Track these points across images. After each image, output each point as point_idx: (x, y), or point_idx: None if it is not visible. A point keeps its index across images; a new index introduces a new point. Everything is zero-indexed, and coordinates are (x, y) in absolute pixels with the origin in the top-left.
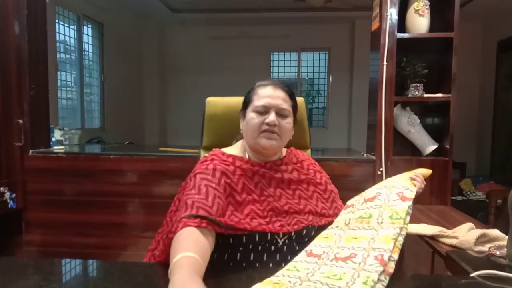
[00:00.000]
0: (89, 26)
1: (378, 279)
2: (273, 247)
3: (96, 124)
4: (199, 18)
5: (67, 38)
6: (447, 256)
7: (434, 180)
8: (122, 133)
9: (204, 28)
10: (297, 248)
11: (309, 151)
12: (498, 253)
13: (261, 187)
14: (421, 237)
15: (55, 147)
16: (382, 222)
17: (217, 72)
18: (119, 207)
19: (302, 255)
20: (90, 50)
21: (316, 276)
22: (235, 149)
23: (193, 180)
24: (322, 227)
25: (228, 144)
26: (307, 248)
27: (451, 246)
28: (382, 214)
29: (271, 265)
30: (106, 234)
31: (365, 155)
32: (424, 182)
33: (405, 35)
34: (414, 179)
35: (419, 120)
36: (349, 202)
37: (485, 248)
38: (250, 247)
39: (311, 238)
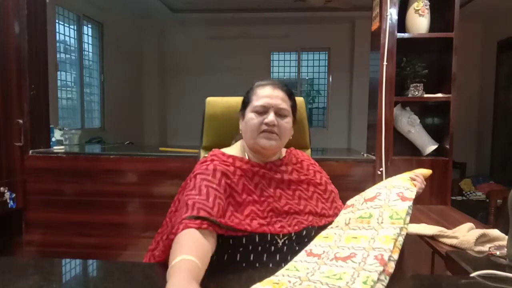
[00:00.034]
0: (89, 26)
1: (378, 279)
2: (273, 248)
3: (96, 124)
4: (199, 18)
5: (67, 38)
6: (447, 256)
7: (434, 180)
8: (122, 133)
9: (204, 28)
10: (297, 248)
11: (309, 151)
12: (498, 253)
13: (261, 187)
14: (421, 237)
15: (55, 147)
16: (382, 222)
17: (217, 72)
18: (119, 207)
19: (302, 255)
20: (90, 50)
21: (316, 275)
22: (234, 150)
23: (193, 180)
24: (322, 228)
25: (228, 144)
26: (307, 248)
27: (451, 246)
28: (382, 214)
29: (271, 265)
30: (106, 234)
31: (365, 155)
32: (424, 182)
33: (405, 35)
34: (414, 179)
35: (419, 120)
36: (349, 202)
37: (485, 248)
38: (250, 247)
39: (311, 239)
